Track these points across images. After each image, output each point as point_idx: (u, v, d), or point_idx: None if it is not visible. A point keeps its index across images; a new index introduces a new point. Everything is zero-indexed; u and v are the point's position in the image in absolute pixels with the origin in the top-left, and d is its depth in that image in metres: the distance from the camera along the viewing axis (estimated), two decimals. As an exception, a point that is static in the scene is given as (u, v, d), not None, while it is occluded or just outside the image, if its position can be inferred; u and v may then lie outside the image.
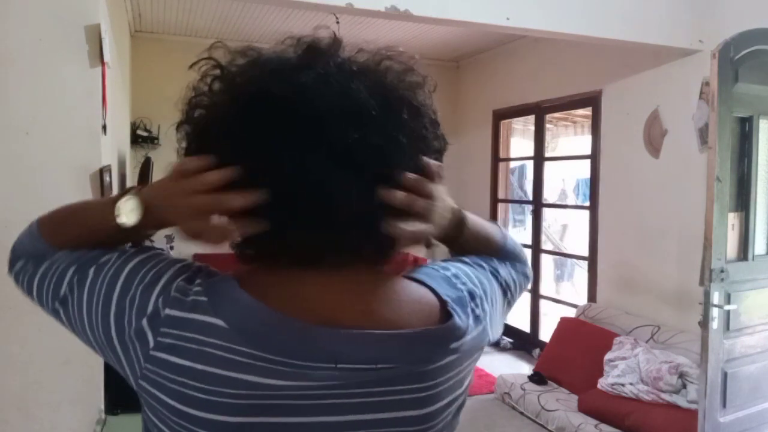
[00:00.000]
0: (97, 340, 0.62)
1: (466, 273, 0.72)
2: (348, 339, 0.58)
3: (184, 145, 0.64)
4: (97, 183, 2.35)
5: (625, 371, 3.49)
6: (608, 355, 3.68)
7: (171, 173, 0.62)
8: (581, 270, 5.97)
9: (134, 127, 5.08)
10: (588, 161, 4.56)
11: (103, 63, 2.35)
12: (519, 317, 5.57)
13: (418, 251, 0.71)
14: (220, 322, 0.56)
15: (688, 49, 3.48)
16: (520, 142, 5.88)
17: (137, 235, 0.68)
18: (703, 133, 3.49)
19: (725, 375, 2.78)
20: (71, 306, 0.64)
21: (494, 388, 4.17)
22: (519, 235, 7.94)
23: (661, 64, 3.81)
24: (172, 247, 4.13)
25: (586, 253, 4.61)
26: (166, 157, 3.96)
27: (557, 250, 7.08)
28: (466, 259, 0.76)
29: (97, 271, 0.63)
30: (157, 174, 3.04)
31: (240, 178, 0.58)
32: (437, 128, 0.66)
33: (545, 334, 4.93)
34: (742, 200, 2.91)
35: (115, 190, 2.80)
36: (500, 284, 0.77)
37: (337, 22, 3.75)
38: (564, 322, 4.32)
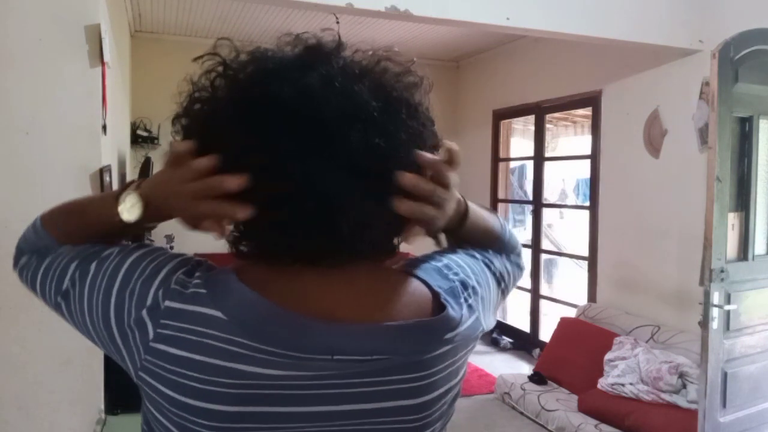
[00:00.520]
0: (98, 332, 0.63)
1: (458, 263, 0.73)
2: (344, 331, 0.59)
3: (179, 138, 0.64)
4: (97, 183, 2.35)
5: (625, 371, 3.49)
6: (608, 355, 3.68)
7: (165, 163, 0.63)
8: (570, 267, 5.99)
9: (134, 127, 5.08)
10: (588, 161, 4.56)
11: (103, 63, 2.35)
12: (519, 317, 5.57)
13: (422, 243, 0.71)
14: (219, 314, 0.57)
15: (688, 49, 3.48)
16: (520, 142, 5.88)
17: (139, 228, 0.69)
18: (703, 133, 3.49)
19: (725, 375, 2.78)
20: (73, 300, 0.65)
21: (494, 388, 4.17)
22: (519, 235, 7.93)
23: (661, 64, 3.82)
24: (172, 247, 4.14)
25: (586, 253, 4.61)
26: (166, 157, 3.96)
27: (557, 250, 7.09)
28: (459, 250, 0.77)
29: (98, 265, 0.64)
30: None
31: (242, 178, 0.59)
32: (433, 126, 0.67)
33: (545, 334, 4.93)
34: (742, 200, 2.91)
35: (115, 190, 2.79)
36: (493, 274, 0.78)
37: (337, 22, 3.75)
38: (564, 322, 4.32)
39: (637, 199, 4.06)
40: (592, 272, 4.53)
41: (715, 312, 2.67)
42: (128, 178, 4.31)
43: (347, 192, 0.58)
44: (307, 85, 0.58)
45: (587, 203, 4.83)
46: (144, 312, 0.59)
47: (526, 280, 5.27)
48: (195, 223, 0.62)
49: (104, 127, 2.47)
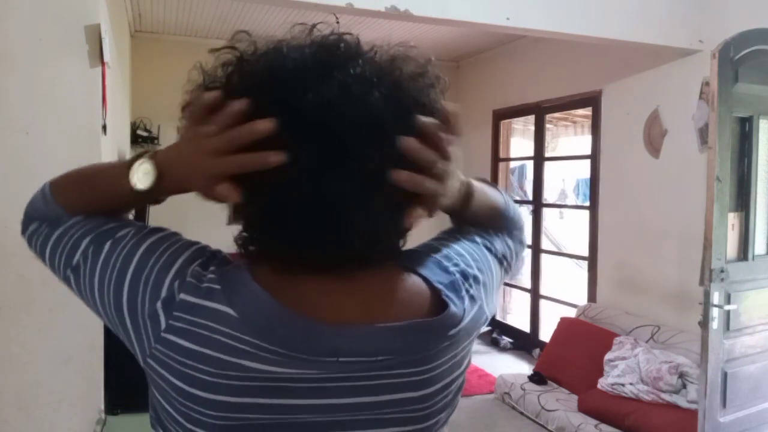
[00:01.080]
0: (108, 314, 0.64)
1: (458, 252, 0.73)
2: (349, 334, 0.60)
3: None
4: (97, 183, 2.34)
5: (625, 371, 3.49)
6: (608, 355, 3.68)
7: (185, 136, 0.62)
8: (570, 267, 6.00)
9: (134, 127, 5.08)
10: (588, 161, 4.57)
11: (103, 63, 2.35)
12: (519, 317, 5.58)
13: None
14: (231, 311, 0.58)
15: (688, 49, 3.48)
16: (520, 142, 5.88)
17: (150, 199, 0.68)
18: (703, 133, 3.49)
19: (725, 375, 2.78)
20: (83, 275, 0.65)
21: (494, 388, 4.17)
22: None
23: (661, 64, 3.82)
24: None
25: (586, 253, 4.61)
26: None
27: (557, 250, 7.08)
28: (458, 235, 0.76)
29: (113, 245, 0.64)
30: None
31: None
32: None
33: (545, 334, 4.93)
34: (742, 200, 2.91)
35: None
36: (495, 256, 0.77)
37: (337, 22, 3.75)
38: (564, 322, 4.32)
39: (637, 199, 4.06)
40: (592, 272, 4.53)
41: (715, 312, 2.68)
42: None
43: (359, 205, 0.58)
44: (322, 94, 0.57)
45: (587, 203, 4.83)
46: (159, 304, 0.60)
47: (526, 281, 5.27)
48: (211, 189, 0.59)
49: (104, 127, 2.47)
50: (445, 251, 0.72)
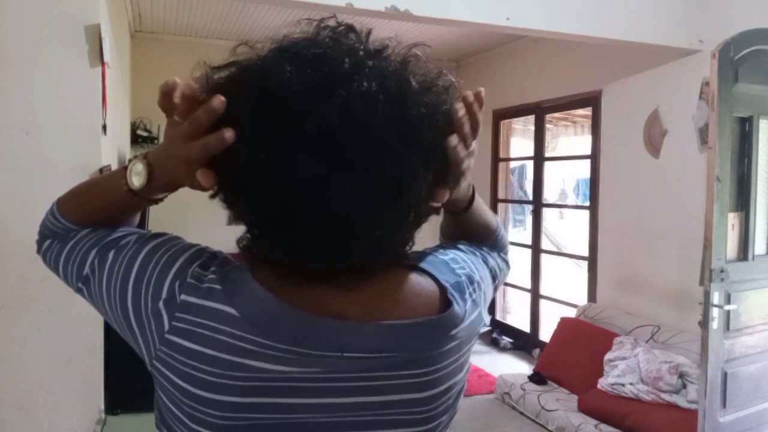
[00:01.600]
0: (117, 319, 0.65)
1: (463, 258, 0.75)
2: (352, 329, 0.61)
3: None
4: (97, 183, 2.34)
5: (625, 371, 3.49)
6: (608, 355, 3.68)
7: (167, 133, 0.64)
8: (570, 267, 5.99)
9: (134, 127, 5.08)
10: (588, 161, 4.56)
11: (103, 63, 2.35)
12: (519, 317, 5.57)
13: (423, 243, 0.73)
14: (232, 311, 0.59)
15: (688, 49, 3.48)
16: (520, 142, 5.88)
17: (149, 199, 0.70)
18: (703, 133, 3.49)
19: (725, 375, 2.78)
20: (93, 286, 0.67)
21: (494, 388, 4.17)
22: (519, 235, 7.95)
23: (661, 64, 3.82)
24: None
25: (586, 253, 4.61)
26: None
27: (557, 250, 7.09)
28: (461, 246, 0.80)
29: (116, 253, 0.66)
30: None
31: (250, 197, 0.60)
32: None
33: (545, 334, 4.93)
34: (742, 200, 2.91)
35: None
36: (490, 271, 0.80)
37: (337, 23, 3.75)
38: (564, 322, 4.32)
39: (637, 199, 4.06)
40: (592, 272, 4.53)
41: (715, 312, 2.67)
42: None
43: (360, 222, 0.58)
44: (322, 116, 0.55)
45: (587, 203, 4.83)
46: (160, 304, 0.61)
47: (526, 280, 5.27)
48: (192, 176, 0.62)
49: (104, 127, 2.47)
50: (451, 255, 0.75)
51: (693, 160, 3.59)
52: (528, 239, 5.39)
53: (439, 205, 0.68)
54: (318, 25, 0.61)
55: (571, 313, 4.52)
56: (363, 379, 0.61)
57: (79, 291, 0.70)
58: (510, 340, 5.30)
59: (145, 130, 5.13)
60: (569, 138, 7.02)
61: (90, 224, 0.72)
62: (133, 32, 5.14)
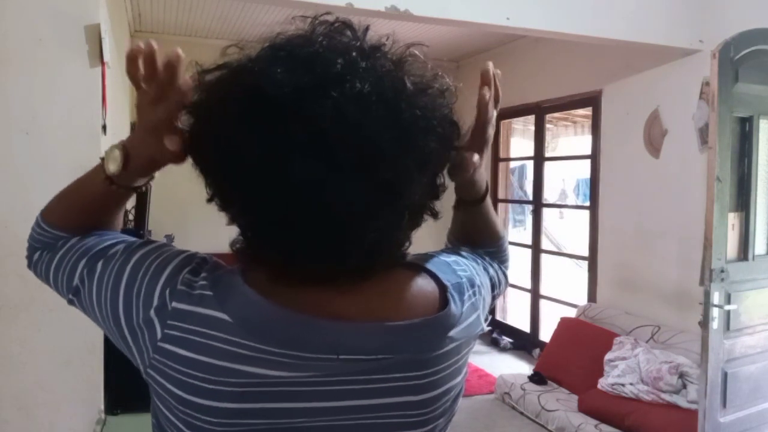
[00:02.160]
0: (109, 329, 0.65)
1: (465, 263, 0.75)
2: (350, 331, 0.60)
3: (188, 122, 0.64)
4: (97, 183, 2.35)
5: (625, 371, 3.49)
6: (608, 355, 3.68)
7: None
8: (570, 267, 5.99)
9: (134, 127, 5.07)
10: (588, 161, 4.56)
11: (103, 63, 2.36)
12: (519, 317, 5.57)
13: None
14: (225, 317, 0.58)
15: (688, 49, 3.48)
16: (520, 142, 5.89)
17: (128, 188, 0.71)
18: (703, 133, 3.49)
19: (725, 375, 2.78)
20: (84, 297, 0.67)
21: (494, 388, 4.17)
22: (519, 235, 7.95)
23: (661, 64, 3.81)
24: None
25: (586, 253, 4.61)
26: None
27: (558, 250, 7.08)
28: (463, 252, 0.80)
29: (105, 264, 0.65)
30: (157, 173, 3.04)
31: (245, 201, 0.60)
32: (452, 133, 0.64)
33: (545, 334, 4.93)
34: (742, 200, 2.91)
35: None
36: (491, 279, 0.80)
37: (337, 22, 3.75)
38: (564, 322, 4.32)
39: (637, 199, 4.06)
40: (592, 272, 4.53)
41: (715, 312, 2.67)
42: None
43: (355, 225, 0.58)
44: (315, 118, 0.54)
45: (587, 203, 4.83)
46: (152, 312, 0.60)
47: (526, 280, 5.27)
48: (162, 145, 0.63)
49: (104, 127, 2.47)
50: (454, 258, 0.75)
51: (693, 160, 3.59)
52: (528, 239, 5.39)
53: (438, 211, 0.67)
54: (313, 22, 0.61)
55: (571, 313, 4.52)
56: (359, 382, 0.60)
57: (70, 302, 0.69)
58: (510, 340, 5.30)
59: (145, 130, 5.12)
60: (569, 138, 7.02)
61: (76, 229, 0.71)
62: (133, 32, 5.14)
